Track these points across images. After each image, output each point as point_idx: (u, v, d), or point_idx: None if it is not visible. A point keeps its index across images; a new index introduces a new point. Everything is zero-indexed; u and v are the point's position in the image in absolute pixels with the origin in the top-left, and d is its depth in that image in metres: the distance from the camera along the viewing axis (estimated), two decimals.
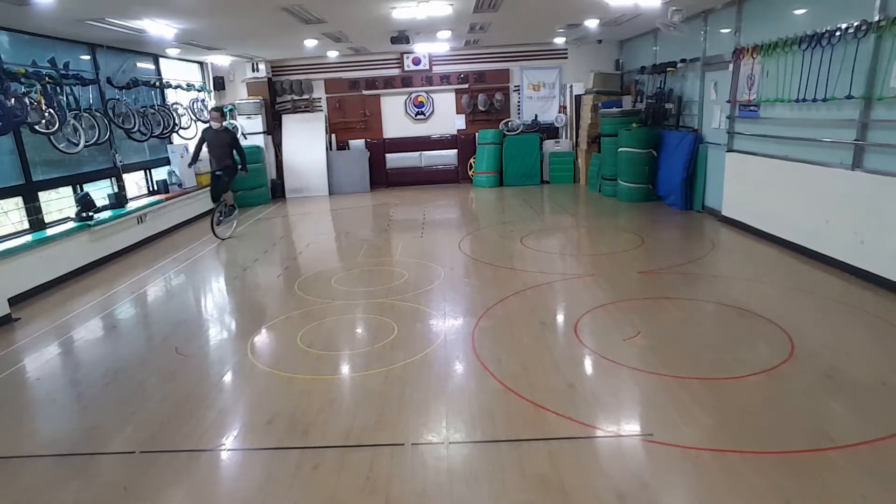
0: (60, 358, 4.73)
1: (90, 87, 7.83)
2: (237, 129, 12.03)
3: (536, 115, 12.63)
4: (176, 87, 10.27)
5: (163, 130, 9.45)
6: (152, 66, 9.89)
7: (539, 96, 12.75)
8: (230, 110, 12.13)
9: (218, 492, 2.89)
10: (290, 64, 12.54)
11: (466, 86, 12.74)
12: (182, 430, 3.40)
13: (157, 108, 9.43)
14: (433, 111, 13.01)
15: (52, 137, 6.68)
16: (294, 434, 3.29)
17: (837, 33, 5.48)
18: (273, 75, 12.54)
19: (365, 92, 12.74)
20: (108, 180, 8.50)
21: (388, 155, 13.09)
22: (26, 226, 6.77)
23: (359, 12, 7.33)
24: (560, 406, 3.40)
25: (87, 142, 7.32)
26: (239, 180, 11.45)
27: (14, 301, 5.79)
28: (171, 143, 10.20)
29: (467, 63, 12.64)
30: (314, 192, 12.58)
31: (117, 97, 8.40)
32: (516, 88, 12.79)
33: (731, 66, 7.49)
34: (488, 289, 5.67)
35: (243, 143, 11.97)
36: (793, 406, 3.29)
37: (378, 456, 3.02)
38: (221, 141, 8.29)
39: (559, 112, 12.65)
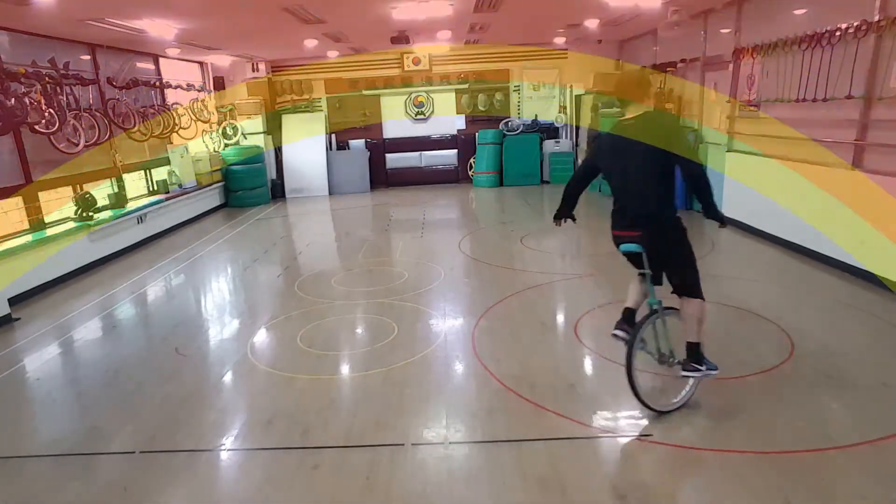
0: (60, 358, 4.73)
1: (90, 87, 7.83)
2: (238, 130, 12.05)
3: (536, 115, 12.63)
4: (176, 87, 10.26)
5: (163, 130, 9.44)
6: (152, 66, 9.89)
7: (539, 96, 12.75)
8: (230, 110, 12.14)
9: (218, 492, 2.90)
10: (290, 64, 12.53)
11: (466, 86, 12.74)
12: (182, 430, 3.40)
13: (157, 108, 9.43)
14: (433, 111, 13.01)
15: (52, 137, 6.68)
16: (294, 434, 3.29)
17: (837, 33, 5.48)
18: (273, 75, 12.54)
19: (365, 92, 12.74)
20: (108, 180, 8.49)
21: (388, 155, 13.09)
22: (26, 226, 6.77)
23: (359, 12, 7.33)
24: (560, 406, 3.40)
25: (87, 142, 7.32)
26: (238, 180, 11.60)
27: (14, 301, 5.79)
28: (171, 143, 10.20)
29: (467, 63, 12.64)
30: (314, 192, 12.57)
31: (117, 97, 8.40)
32: (516, 88, 12.79)
33: (731, 66, 7.48)
34: (488, 289, 5.67)
35: (243, 142, 12.11)
36: (793, 406, 3.29)
37: (378, 456, 3.02)
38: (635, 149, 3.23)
39: (559, 112, 12.65)
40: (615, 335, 3.43)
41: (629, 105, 3.25)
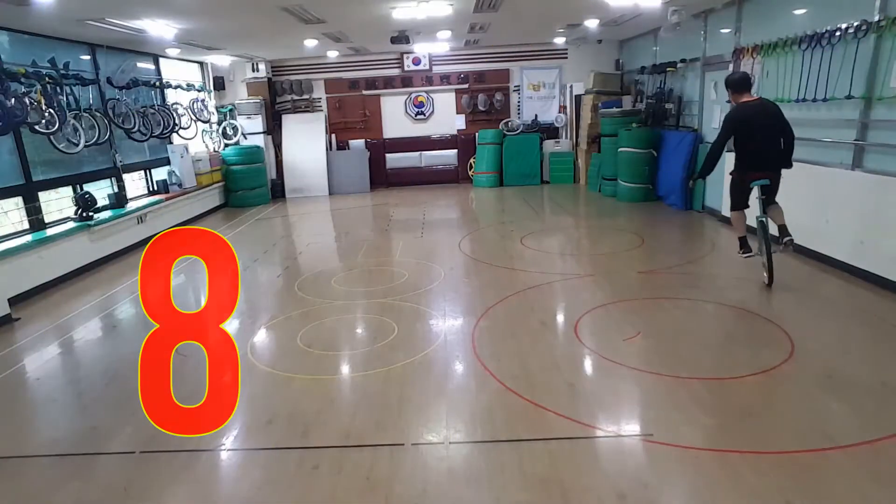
0: (60, 358, 4.73)
1: (90, 87, 7.83)
2: (238, 130, 12.06)
3: (536, 115, 12.63)
4: (176, 87, 10.27)
5: (163, 130, 9.45)
6: (152, 66, 9.89)
7: (539, 96, 12.75)
8: (230, 110, 12.14)
9: (218, 492, 2.90)
10: (290, 64, 12.54)
11: (466, 86, 12.74)
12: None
13: (157, 108, 9.43)
14: (433, 111, 13.01)
15: (52, 137, 6.68)
16: (294, 434, 3.29)
17: (837, 33, 5.48)
18: (273, 75, 12.54)
19: (365, 92, 12.74)
20: (108, 180, 8.50)
21: (388, 155, 13.09)
22: (26, 226, 6.77)
23: (359, 12, 7.33)
24: (560, 406, 3.40)
25: (87, 142, 7.32)
26: (238, 180, 11.61)
27: (14, 301, 5.79)
28: (171, 143, 10.20)
29: (467, 63, 12.63)
30: (314, 192, 12.58)
31: (117, 97, 8.40)
32: (516, 88, 12.79)
33: (731, 66, 7.48)
34: (488, 289, 5.67)
35: (243, 142, 12.12)
36: (793, 406, 3.29)
37: (378, 456, 3.02)
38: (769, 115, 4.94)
39: (559, 112, 12.65)
40: (747, 256, 5.38)
41: (743, 93, 5.04)
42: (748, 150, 5.01)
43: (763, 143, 4.92)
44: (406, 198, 11.67)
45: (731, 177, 5.31)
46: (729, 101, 7.48)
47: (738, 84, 5.10)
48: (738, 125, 4.98)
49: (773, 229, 5.13)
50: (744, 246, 5.41)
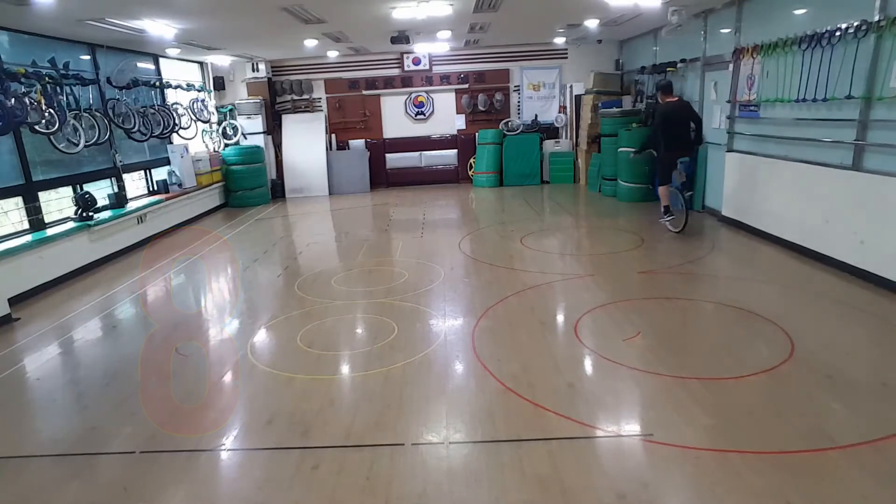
0: (60, 358, 4.73)
1: (90, 87, 7.83)
2: (238, 130, 12.08)
3: (536, 115, 12.63)
4: (176, 87, 10.26)
5: (163, 130, 9.45)
6: (152, 66, 9.89)
7: (539, 96, 12.76)
8: (230, 110, 12.15)
9: (218, 492, 2.89)
10: (290, 64, 12.54)
11: (466, 86, 12.74)
12: (182, 429, 3.40)
13: (157, 108, 9.43)
14: (433, 111, 13.01)
15: (52, 137, 6.67)
16: (294, 434, 3.29)
17: (837, 33, 5.48)
18: (273, 75, 12.54)
19: (365, 92, 12.74)
20: (108, 180, 8.50)
21: (388, 155, 13.09)
22: (26, 226, 6.77)
23: (359, 12, 7.33)
24: (560, 406, 3.40)
25: (87, 142, 7.32)
26: (238, 180, 11.62)
27: (14, 301, 5.79)
28: (171, 143, 10.20)
29: (467, 63, 12.64)
30: (314, 192, 12.58)
31: (117, 97, 8.40)
32: (516, 88, 12.79)
33: (731, 66, 7.48)
34: (488, 289, 5.67)
35: (243, 142, 12.13)
36: (793, 406, 3.29)
37: (378, 456, 3.02)
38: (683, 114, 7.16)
39: (559, 112, 12.65)
40: (670, 218, 7.27)
41: (668, 95, 7.11)
42: (672, 135, 6.94)
43: (682, 130, 6.97)
44: (406, 198, 11.67)
45: (660, 156, 7.23)
46: (729, 101, 7.61)
47: (666, 88, 7.15)
48: (666, 118, 6.92)
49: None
50: (667, 212, 7.31)
